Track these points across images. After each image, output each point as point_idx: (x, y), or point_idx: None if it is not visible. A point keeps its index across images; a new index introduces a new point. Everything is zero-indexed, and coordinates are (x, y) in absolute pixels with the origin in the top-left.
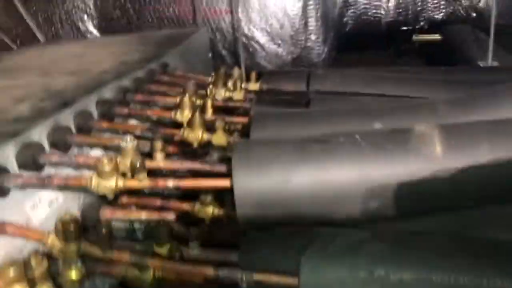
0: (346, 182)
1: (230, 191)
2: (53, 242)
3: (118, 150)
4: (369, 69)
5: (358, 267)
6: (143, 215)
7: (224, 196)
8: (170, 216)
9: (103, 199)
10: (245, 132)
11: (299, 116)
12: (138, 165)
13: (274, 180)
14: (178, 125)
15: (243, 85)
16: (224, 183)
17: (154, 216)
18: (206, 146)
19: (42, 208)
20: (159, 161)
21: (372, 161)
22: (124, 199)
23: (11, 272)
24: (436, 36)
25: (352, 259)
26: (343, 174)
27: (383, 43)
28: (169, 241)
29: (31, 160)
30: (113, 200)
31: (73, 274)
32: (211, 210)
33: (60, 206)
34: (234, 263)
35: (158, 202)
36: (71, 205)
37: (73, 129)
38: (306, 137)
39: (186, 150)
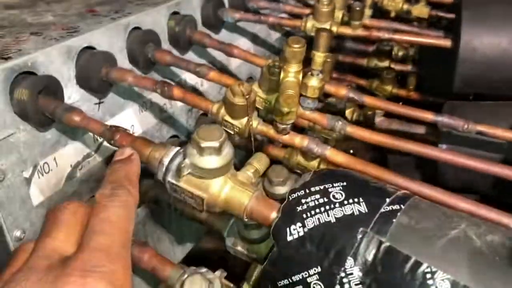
0: None
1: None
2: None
3: None
4: None
5: None
6: None
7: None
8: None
9: None
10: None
11: None
12: (356, 9)
13: (510, 38)
14: None
15: None
16: (444, 42)
17: None
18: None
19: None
20: (365, 18)
21: None
22: None
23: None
24: None
25: None
26: None
27: None
28: None
29: None
30: None
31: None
32: (390, 88)
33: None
34: None
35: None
36: None
37: None
38: None
39: None
